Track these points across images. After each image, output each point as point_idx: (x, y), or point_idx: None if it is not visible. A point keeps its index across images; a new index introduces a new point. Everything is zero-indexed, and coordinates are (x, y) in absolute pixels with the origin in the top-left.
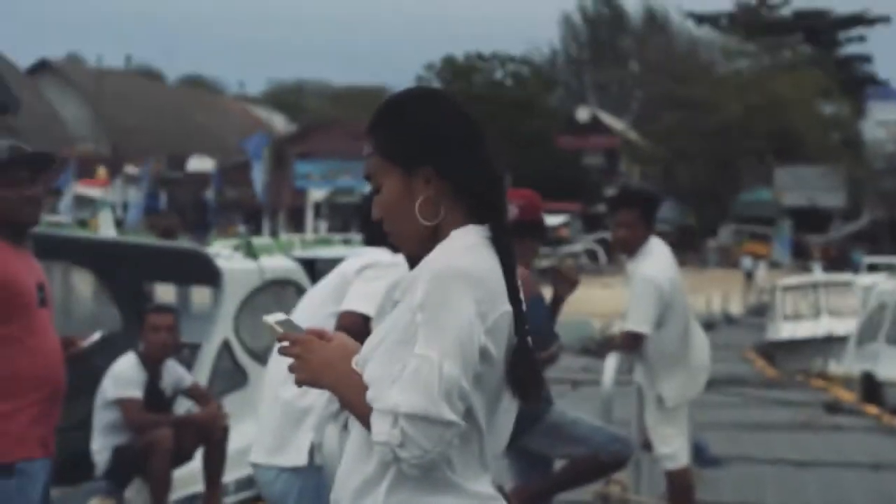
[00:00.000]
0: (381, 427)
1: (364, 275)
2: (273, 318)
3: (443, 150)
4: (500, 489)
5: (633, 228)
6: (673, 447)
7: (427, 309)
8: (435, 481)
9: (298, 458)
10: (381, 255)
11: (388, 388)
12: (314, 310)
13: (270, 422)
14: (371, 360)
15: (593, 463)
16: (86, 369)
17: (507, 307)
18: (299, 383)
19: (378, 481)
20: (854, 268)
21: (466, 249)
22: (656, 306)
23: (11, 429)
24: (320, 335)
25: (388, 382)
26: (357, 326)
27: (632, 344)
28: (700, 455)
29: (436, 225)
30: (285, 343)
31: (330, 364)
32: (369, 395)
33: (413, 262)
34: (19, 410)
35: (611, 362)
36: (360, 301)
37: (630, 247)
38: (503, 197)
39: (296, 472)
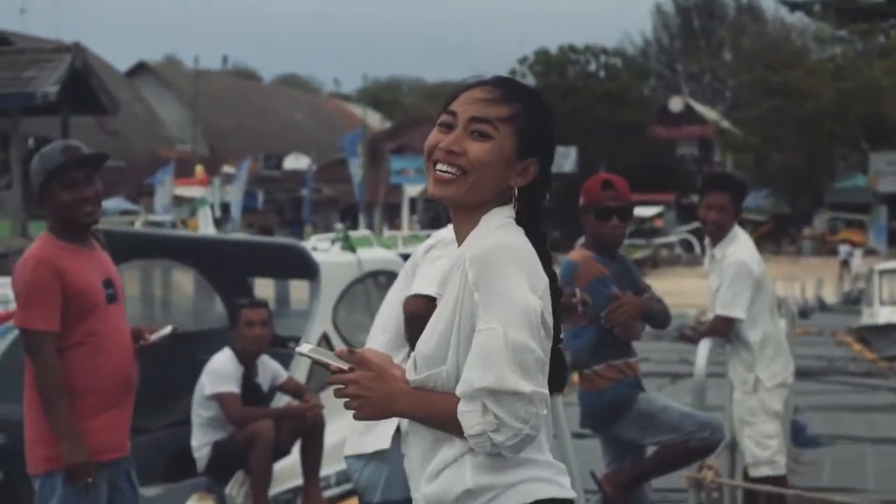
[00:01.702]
0: (473, 419)
1: (429, 255)
2: (307, 349)
3: (549, 156)
4: (592, 475)
5: (725, 212)
6: (771, 449)
7: (482, 286)
8: (510, 459)
9: (380, 441)
10: (445, 232)
11: (467, 377)
12: (395, 298)
13: None
14: (448, 358)
15: (683, 449)
16: (193, 366)
17: (546, 279)
18: (364, 419)
19: (460, 466)
20: None
21: (498, 229)
22: (750, 290)
23: (83, 430)
24: (349, 356)
25: (465, 371)
26: (420, 310)
27: (725, 328)
28: (799, 435)
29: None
30: (337, 385)
31: (392, 392)
32: (459, 388)
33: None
34: (91, 412)
35: (703, 349)
36: (424, 283)
37: (721, 230)
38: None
39: (381, 457)
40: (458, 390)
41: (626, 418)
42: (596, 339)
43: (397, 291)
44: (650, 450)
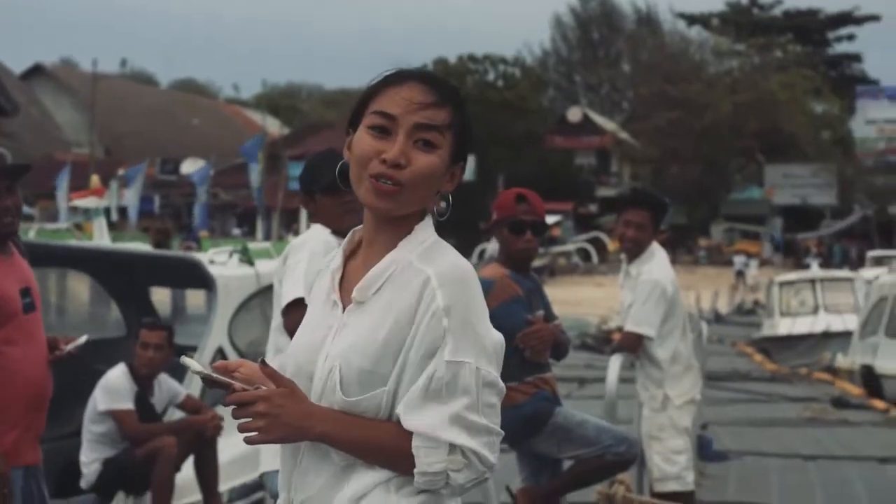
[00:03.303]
0: (435, 456)
1: (289, 265)
2: (198, 367)
3: (467, 154)
4: (508, 490)
5: (642, 230)
6: (679, 465)
7: (454, 313)
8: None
9: None
10: (296, 240)
11: (422, 407)
12: (276, 324)
13: None
14: (390, 379)
15: (599, 463)
16: (88, 375)
17: None
18: (268, 441)
19: (386, 493)
20: (840, 262)
21: (446, 247)
22: (661, 309)
23: None
24: (226, 368)
25: (421, 401)
26: (300, 319)
27: (634, 344)
28: (705, 450)
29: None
30: (239, 405)
31: (310, 412)
32: (411, 421)
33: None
34: (2, 421)
35: (614, 364)
36: (291, 291)
37: (638, 247)
38: None
39: None
40: (415, 423)
41: (543, 432)
42: (507, 359)
43: (277, 312)
44: (566, 464)
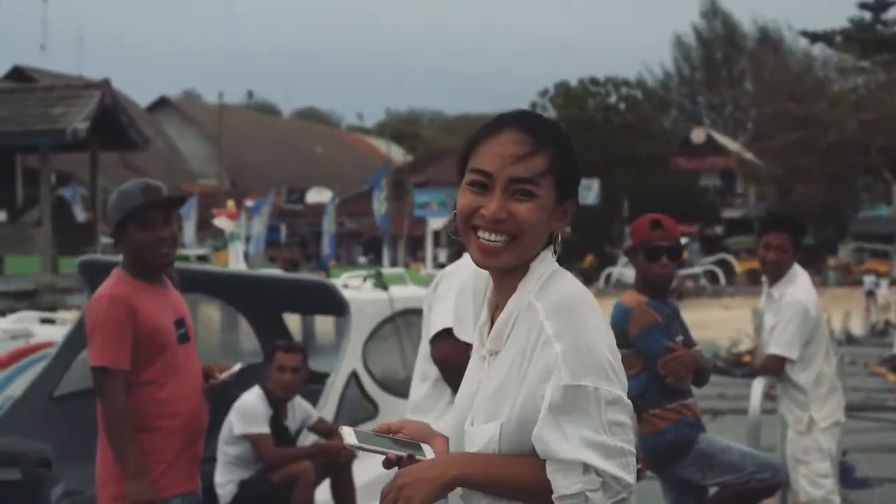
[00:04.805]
0: (571, 478)
1: (438, 292)
2: (352, 440)
3: (577, 189)
4: None
5: (783, 252)
6: (825, 488)
7: (565, 338)
8: None
9: None
10: (450, 268)
11: (550, 433)
12: (426, 345)
13: None
14: (503, 412)
15: (744, 490)
16: (226, 402)
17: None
18: None
19: None
20: None
21: (555, 276)
22: (805, 331)
23: (153, 469)
24: (389, 429)
25: (548, 428)
26: (449, 353)
27: (777, 367)
28: (847, 476)
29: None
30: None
31: (443, 460)
32: (542, 448)
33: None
34: (161, 451)
35: (757, 388)
36: (440, 319)
37: (779, 270)
38: None
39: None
40: (546, 449)
41: (687, 458)
42: (648, 386)
43: (425, 339)
44: (712, 490)
